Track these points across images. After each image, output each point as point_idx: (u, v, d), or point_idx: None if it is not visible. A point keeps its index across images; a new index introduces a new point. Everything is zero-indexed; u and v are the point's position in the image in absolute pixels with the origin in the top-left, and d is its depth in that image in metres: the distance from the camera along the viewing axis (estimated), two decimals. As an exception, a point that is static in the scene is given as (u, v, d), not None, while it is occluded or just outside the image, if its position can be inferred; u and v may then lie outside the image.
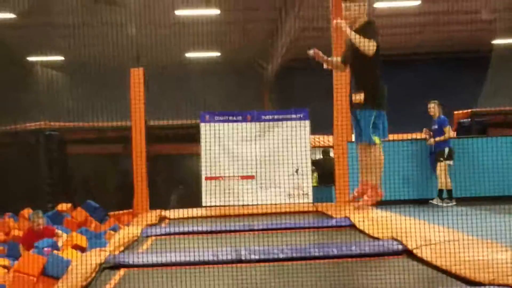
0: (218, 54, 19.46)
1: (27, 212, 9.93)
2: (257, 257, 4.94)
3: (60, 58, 19.05)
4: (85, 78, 16.65)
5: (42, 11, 15.16)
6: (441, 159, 9.98)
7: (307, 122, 10.40)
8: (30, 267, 4.96)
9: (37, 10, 15.12)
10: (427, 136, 10.39)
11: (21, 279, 4.84)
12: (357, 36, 5.72)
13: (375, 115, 5.50)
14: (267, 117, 10.49)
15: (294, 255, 4.94)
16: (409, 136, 11.30)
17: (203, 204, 10.06)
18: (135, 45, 13.24)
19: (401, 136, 12.41)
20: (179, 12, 16.38)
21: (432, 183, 10.20)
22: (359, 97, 5.48)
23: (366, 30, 5.88)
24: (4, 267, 6.26)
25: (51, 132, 13.62)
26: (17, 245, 8.49)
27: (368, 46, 5.63)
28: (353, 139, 5.95)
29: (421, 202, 9.91)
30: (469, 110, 14.86)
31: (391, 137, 12.64)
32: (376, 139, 5.57)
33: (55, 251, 7.10)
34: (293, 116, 10.45)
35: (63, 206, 10.23)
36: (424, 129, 10.53)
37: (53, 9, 14.77)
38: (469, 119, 14.48)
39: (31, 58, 18.66)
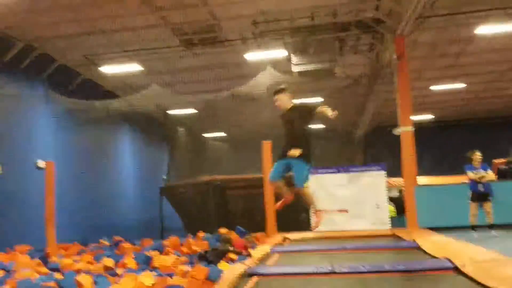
0: (323, 126, 19.33)
1: (201, 234, 10.19)
2: (346, 270, 4.76)
3: (222, 134, 19.90)
4: (239, 146, 17.22)
5: (212, 107, 15.99)
6: (490, 198, 8.48)
7: (383, 172, 9.97)
8: (199, 274, 5.04)
9: (209, 106, 15.98)
10: (478, 179, 8.71)
11: (193, 282, 4.96)
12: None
13: (308, 168, 4.86)
14: (354, 169, 10.22)
15: (372, 269, 4.70)
16: (459, 178, 10.24)
17: (312, 229, 9.83)
18: (266, 123, 13.51)
19: (455, 178, 11.27)
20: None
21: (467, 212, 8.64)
22: (296, 152, 4.81)
23: (297, 109, 4.95)
24: (185, 272, 6.45)
25: (217, 183, 14.10)
26: (193, 256, 8.70)
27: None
28: (307, 177, 4.80)
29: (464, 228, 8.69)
30: (506, 159, 13.47)
31: (451, 180, 11.46)
32: (305, 185, 4.94)
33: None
34: (373, 168, 10.09)
35: (222, 230, 10.42)
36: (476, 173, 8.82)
37: (218, 105, 15.52)
38: (506, 166, 13.09)
39: (205, 135, 19.68)
